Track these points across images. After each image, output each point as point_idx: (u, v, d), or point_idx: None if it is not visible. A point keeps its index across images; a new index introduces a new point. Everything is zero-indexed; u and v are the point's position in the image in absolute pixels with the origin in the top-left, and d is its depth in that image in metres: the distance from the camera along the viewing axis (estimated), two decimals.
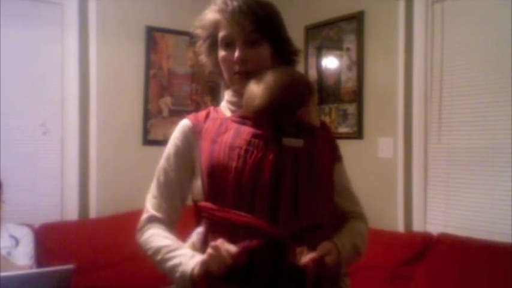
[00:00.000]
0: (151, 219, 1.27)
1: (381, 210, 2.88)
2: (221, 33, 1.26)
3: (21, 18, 2.97)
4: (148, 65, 3.41)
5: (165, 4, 3.46)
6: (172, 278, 1.16)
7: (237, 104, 1.29)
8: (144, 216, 1.29)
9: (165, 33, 3.46)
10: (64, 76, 3.10)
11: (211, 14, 1.28)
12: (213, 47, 1.30)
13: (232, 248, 1.06)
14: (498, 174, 2.45)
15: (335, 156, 1.33)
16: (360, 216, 1.34)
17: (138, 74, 3.39)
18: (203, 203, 1.20)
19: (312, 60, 3.41)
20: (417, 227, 2.78)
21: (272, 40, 1.27)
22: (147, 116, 3.41)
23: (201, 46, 1.33)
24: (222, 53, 1.27)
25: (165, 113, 3.47)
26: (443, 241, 2.54)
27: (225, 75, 1.30)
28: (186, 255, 1.15)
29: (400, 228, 2.84)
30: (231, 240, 1.10)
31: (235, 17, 1.22)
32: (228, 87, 1.34)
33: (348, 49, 3.18)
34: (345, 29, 3.19)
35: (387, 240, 2.73)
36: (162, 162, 1.30)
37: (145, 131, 3.41)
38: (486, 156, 2.51)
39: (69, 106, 3.11)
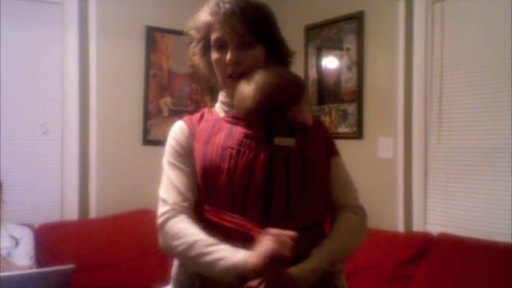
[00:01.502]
0: (177, 211, 1.17)
1: (381, 210, 2.88)
2: (214, 36, 1.25)
3: (21, 18, 2.97)
4: (148, 65, 3.41)
5: (165, 4, 3.46)
6: (209, 273, 1.11)
7: (230, 105, 1.29)
8: (166, 208, 1.18)
9: (165, 33, 3.45)
10: (64, 76, 3.10)
11: (204, 16, 1.28)
12: (206, 49, 1.30)
13: (289, 232, 1.03)
14: (498, 174, 2.45)
15: (331, 152, 1.31)
16: (353, 209, 1.29)
17: (138, 74, 3.39)
18: (198, 205, 1.20)
19: (312, 60, 3.41)
20: (417, 227, 2.78)
21: (265, 42, 1.26)
22: (147, 116, 3.41)
23: (195, 47, 1.33)
24: (214, 55, 1.27)
25: (165, 113, 3.47)
26: (443, 241, 2.54)
27: (218, 77, 1.30)
28: (227, 250, 1.09)
29: (400, 228, 2.84)
30: (226, 241, 1.10)
31: (227, 19, 1.22)
32: (221, 88, 1.35)
33: (348, 49, 3.18)
34: (345, 29, 3.19)
35: (387, 240, 2.73)
36: (168, 159, 1.25)
37: (145, 131, 3.40)
38: (486, 156, 2.50)
39: (69, 106, 3.11)
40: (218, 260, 1.07)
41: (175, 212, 1.17)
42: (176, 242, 1.14)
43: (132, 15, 3.36)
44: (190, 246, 1.11)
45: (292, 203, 1.14)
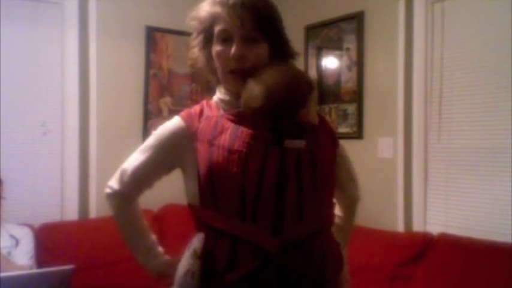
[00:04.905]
0: (128, 198, 1.39)
1: (381, 210, 2.87)
2: (218, 27, 1.18)
3: (21, 18, 2.97)
4: (148, 65, 3.41)
5: (165, 4, 3.46)
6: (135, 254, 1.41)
7: (229, 103, 1.22)
8: (116, 188, 1.38)
9: (165, 33, 3.45)
10: (64, 76, 3.10)
11: (208, 7, 1.21)
12: (207, 41, 1.23)
13: None
14: (498, 174, 2.45)
15: (335, 145, 1.28)
16: (356, 208, 1.44)
17: (138, 74, 3.39)
18: (203, 210, 1.15)
19: (312, 60, 3.41)
20: (417, 227, 2.78)
21: (271, 40, 1.21)
22: (147, 116, 3.41)
23: (195, 39, 1.25)
24: (217, 47, 1.19)
25: (165, 113, 3.47)
26: (443, 241, 2.54)
27: (219, 71, 1.22)
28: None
29: (400, 228, 2.84)
30: (232, 249, 1.08)
31: (237, 11, 1.15)
32: (219, 83, 1.27)
33: (348, 49, 3.18)
34: (345, 29, 3.19)
35: (387, 240, 2.72)
36: (147, 143, 1.36)
37: (145, 131, 3.40)
38: (486, 156, 2.50)
39: (69, 106, 3.11)
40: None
41: (126, 198, 1.39)
42: (126, 223, 1.44)
43: (132, 15, 3.36)
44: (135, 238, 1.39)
45: (304, 206, 1.10)
